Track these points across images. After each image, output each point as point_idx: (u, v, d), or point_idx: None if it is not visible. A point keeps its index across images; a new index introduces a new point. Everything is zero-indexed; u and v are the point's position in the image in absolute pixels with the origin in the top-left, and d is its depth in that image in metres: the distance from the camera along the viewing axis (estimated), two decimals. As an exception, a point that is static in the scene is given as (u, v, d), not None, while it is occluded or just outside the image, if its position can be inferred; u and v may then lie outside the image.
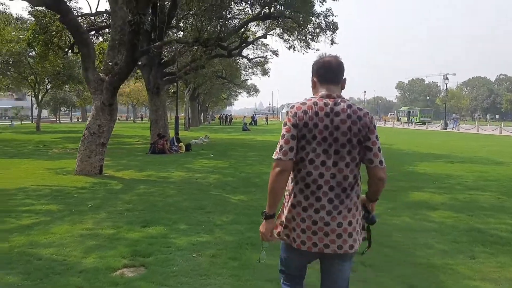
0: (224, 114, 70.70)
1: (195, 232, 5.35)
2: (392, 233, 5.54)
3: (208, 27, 21.30)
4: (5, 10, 23.19)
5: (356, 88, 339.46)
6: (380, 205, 7.31)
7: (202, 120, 62.90)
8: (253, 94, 72.66)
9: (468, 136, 33.51)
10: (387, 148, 20.11)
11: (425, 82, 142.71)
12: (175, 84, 31.85)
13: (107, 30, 21.43)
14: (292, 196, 2.32)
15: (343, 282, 2.42)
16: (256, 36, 25.53)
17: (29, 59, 29.90)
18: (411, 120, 65.23)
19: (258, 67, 43.84)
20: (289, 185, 2.35)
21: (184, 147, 16.66)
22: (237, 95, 74.59)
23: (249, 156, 15.45)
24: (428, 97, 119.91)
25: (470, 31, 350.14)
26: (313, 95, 2.41)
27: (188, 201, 7.21)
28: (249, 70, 46.75)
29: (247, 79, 53.03)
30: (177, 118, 30.68)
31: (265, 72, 44.25)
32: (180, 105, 50.84)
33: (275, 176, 2.25)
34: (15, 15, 23.98)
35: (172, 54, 22.91)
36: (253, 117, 64.04)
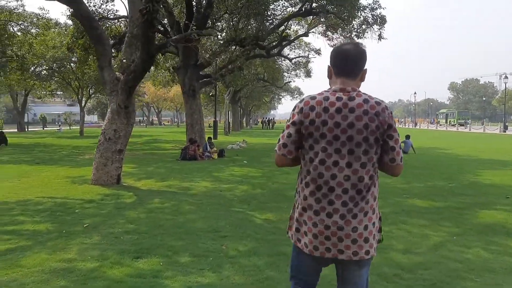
0: (266, 118, 69.60)
1: (198, 268, 4.12)
2: (463, 275, 4.05)
3: (245, 26, 20.24)
4: (44, 14, 23.24)
5: (407, 88, 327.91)
6: (441, 229, 5.82)
7: (244, 124, 62.08)
8: (296, 97, 71.03)
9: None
10: (443, 154, 18.07)
11: (480, 83, 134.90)
12: (214, 87, 31.23)
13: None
14: (302, 198, 2.16)
15: None
16: (297, 35, 24.13)
17: (72, 64, 30.17)
18: (450, 122, 66.09)
19: (301, 68, 42.45)
20: (299, 186, 2.21)
21: (217, 152, 15.57)
22: (280, 98, 73.32)
23: (287, 162, 14.10)
24: (484, 98, 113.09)
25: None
26: (329, 85, 2.21)
27: (202, 221, 6.00)
28: (292, 72, 45.45)
29: (289, 82, 51.69)
30: (215, 122, 29.88)
31: (308, 74, 42.71)
32: (220, 109, 50.41)
33: (276, 161, 2.24)
34: (54, 20, 24.00)
35: (208, 55, 22.03)
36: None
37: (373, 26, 19.29)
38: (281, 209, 6.89)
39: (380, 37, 19.32)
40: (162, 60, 26.72)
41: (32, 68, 35.40)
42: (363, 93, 2.09)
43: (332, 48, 2.21)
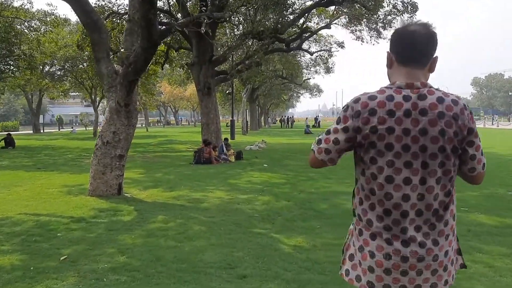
0: (285, 116, 68.00)
1: None
2: None
3: (263, 17, 18.84)
4: (52, 10, 22.29)
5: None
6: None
7: (262, 123, 60.65)
8: (316, 94, 69.29)
9: None
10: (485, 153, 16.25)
11: (505, 77, 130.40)
12: (231, 84, 29.90)
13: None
14: (366, 223, 1.72)
15: None
16: (319, 27, 22.61)
17: (85, 64, 29.29)
18: None
19: (321, 64, 40.84)
20: (358, 208, 1.76)
21: (234, 155, 14.20)
22: (299, 96, 71.58)
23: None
24: (510, 93, 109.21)
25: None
26: (388, 78, 1.79)
27: (214, 250, 4.63)
28: (311, 69, 43.83)
29: (309, 78, 50.07)
30: (232, 122, 28.55)
31: (328, 70, 41.00)
32: (238, 108, 49.19)
33: (311, 162, 1.84)
34: (63, 16, 23.04)
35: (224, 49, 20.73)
36: (316, 119, 60.56)
37: (403, 14, 17.64)
38: (313, 230, 5.48)
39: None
40: (177, 58, 25.64)
41: (45, 68, 34.81)
42: (436, 89, 1.69)
43: (393, 34, 1.80)
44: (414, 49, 1.70)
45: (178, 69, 28.01)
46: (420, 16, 27.06)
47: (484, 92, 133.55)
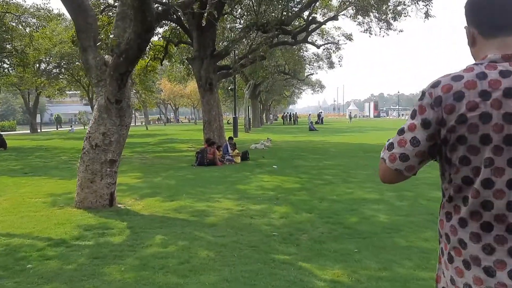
0: (287, 113, 66.82)
1: None
2: None
3: (268, 8, 17.71)
4: (45, 4, 21.16)
5: (428, 77, 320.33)
6: None
7: (264, 120, 59.49)
8: (318, 90, 68.18)
9: None
10: None
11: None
12: (233, 80, 28.74)
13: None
14: (459, 245, 1.31)
15: None
16: (326, 18, 21.47)
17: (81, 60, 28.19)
18: None
19: (324, 59, 39.75)
20: (446, 226, 1.35)
21: (240, 155, 13.08)
22: (301, 92, 70.43)
23: (326, 167, 11.49)
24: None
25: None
26: (473, 57, 1.38)
27: (228, 291, 3.52)
28: (314, 64, 42.68)
29: (312, 74, 48.95)
30: (235, 119, 27.43)
31: (331, 65, 39.87)
32: (240, 105, 48.12)
33: (382, 175, 1.43)
34: (57, 11, 21.89)
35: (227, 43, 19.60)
36: (319, 115, 59.30)
37: (418, 2, 16.48)
38: (350, 255, 4.36)
39: (427, 15, 16.50)
40: (177, 53, 24.55)
41: (40, 66, 33.68)
42: None
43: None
44: (504, 11, 1.31)
45: (178, 65, 26.91)
46: (437, 3, 25.76)
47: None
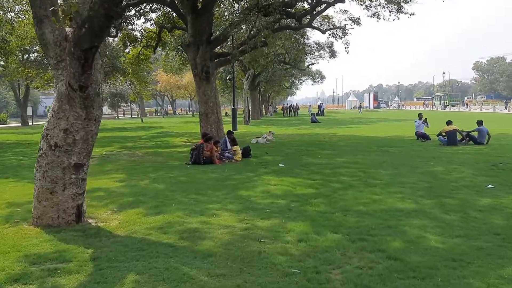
0: (287, 104, 65.11)
1: None
2: None
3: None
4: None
5: (427, 68, 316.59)
6: None
7: (264, 111, 57.79)
8: (318, 81, 66.23)
9: None
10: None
11: (507, 61, 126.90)
12: (232, 68, 27.11)
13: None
14: None
15: None
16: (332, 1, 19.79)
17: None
18: (443, 103, 72.38)
19: (325, 48, 38.10)
20: None
21: (240, 152, 11.56)
22: (301, 83, 68.66)
23: (340, 165, 9.96)
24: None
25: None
26: None
27: None
28: (315, 53, 40.96)
29: (313, 63, 47.25)
30: (234, 111, 25.84)
31: (333, 54, 38.21)
32: (237, 96, 46.42)
33: None
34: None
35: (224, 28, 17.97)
36: (320, 107, 57.57)
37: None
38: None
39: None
40: (171, 41, 22.87)
41: (30, 56, 31.97)
42: None
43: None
44: None
45: (172, 53, 25.22)
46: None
47: (486, 76, 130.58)
